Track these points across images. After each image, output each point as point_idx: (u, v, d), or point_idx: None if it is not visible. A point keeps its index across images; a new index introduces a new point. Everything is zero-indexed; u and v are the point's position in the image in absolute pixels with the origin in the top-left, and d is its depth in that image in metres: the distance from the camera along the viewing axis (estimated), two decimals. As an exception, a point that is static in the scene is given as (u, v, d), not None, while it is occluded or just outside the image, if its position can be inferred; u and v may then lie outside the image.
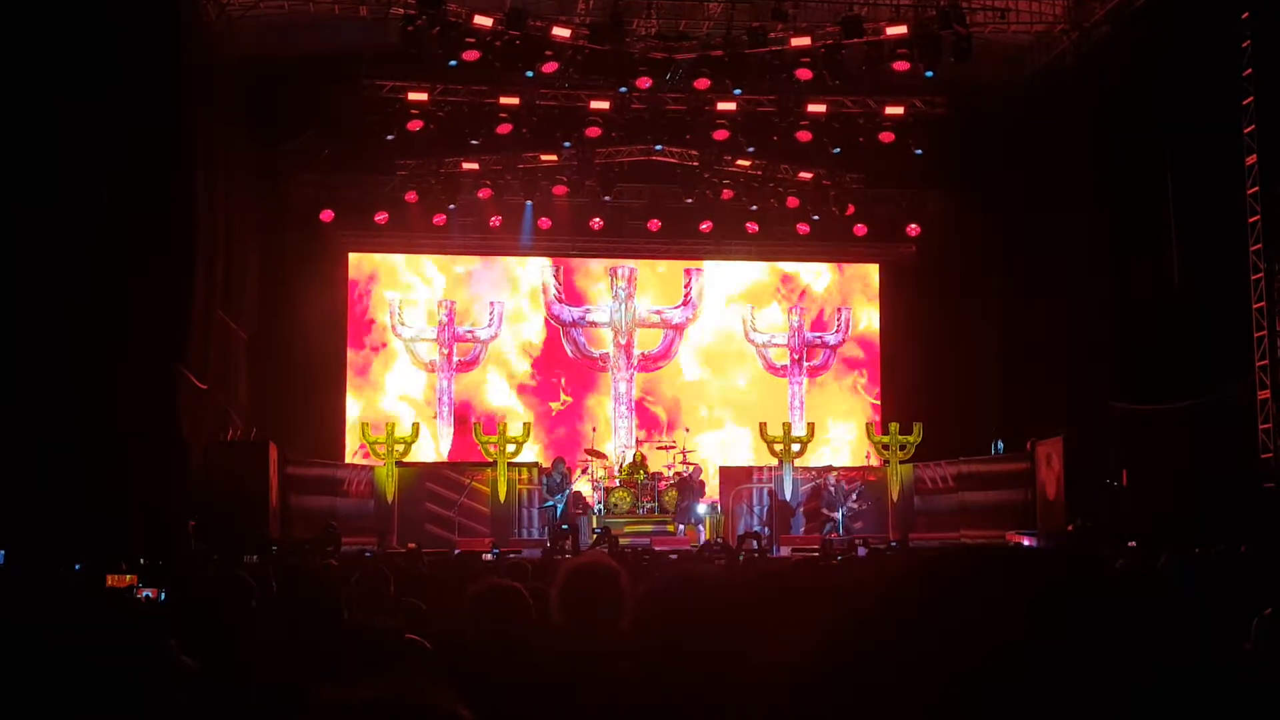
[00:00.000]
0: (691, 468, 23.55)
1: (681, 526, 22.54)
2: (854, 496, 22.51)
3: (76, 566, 11.97)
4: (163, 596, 8.96)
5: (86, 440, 14.56)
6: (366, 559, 14.52)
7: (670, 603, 2.57)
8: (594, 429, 25.36)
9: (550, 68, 20.80)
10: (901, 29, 20.50)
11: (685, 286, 26.61)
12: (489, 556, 15.46)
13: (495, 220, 25.12)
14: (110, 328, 15.27)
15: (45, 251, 14.66)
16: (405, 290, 25.90)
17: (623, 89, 22.17)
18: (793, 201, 25.21)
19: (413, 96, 22.23)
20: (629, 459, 23.85)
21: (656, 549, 19.33)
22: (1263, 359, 17.28)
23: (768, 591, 2.86)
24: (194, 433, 18.16)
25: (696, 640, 2.46)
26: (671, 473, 23.53)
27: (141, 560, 12.83)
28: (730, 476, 23.61)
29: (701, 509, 22.71)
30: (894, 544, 20.89)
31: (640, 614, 2.55)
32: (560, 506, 22.11)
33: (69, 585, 9.94)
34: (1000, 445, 22.63)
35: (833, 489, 22.27)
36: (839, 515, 22.34)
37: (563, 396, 26.00)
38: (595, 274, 26.49)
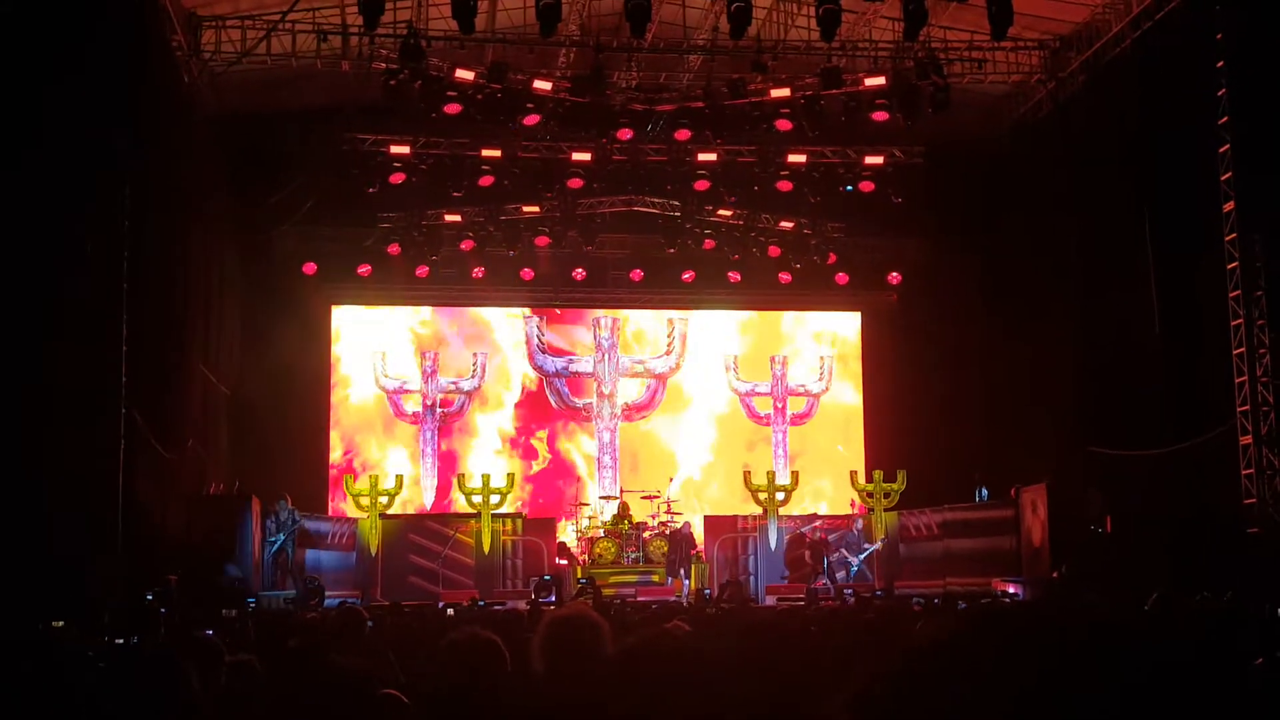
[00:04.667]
0: (681, 523, 23.39)
1: (671, 579, 22.29)
2: (863, 557, 22.33)
3: (58, 624, 11.83)
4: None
5: (56, 500, 14.33)
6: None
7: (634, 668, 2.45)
8: (577, 479, 25.28)
9: (532, 120, 20.93)
10: (880, 80, 20.68)
11: (668, 336, 26.63)
12: (450, 612, 15.23)
13: (478, 272, 25.14)
14: (85, 384, 15.10)
15: (25, 306, 14.55)
16: (388, 342, 25.86)
17: (604, 140, 22.29)
18: (774, 251, 25.31)
19: (395, 150, 22.31)
20: (613, 509, 23.75)
21: (641, 599, 19.20)
22: (1244, 404, 17.34)
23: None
24: (158, 493, 17.83)
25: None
26: (656, 523, 23.43)
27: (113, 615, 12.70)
28: (715, 526, 23.51)
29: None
30: (879, 592, 20.78)
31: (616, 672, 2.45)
32: (286, 543, 20.36)
33: (60, 644, 9.80)
34: (984, 492, 22.59)
35: (833, 539, 22.15)
36: (824, 566, 22.19)
37: (542, 453, 25.93)
38: (578, 324, 26.50)
